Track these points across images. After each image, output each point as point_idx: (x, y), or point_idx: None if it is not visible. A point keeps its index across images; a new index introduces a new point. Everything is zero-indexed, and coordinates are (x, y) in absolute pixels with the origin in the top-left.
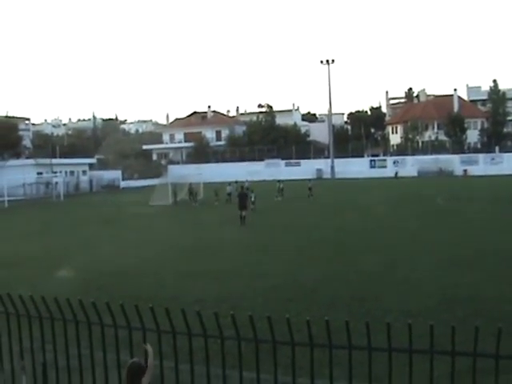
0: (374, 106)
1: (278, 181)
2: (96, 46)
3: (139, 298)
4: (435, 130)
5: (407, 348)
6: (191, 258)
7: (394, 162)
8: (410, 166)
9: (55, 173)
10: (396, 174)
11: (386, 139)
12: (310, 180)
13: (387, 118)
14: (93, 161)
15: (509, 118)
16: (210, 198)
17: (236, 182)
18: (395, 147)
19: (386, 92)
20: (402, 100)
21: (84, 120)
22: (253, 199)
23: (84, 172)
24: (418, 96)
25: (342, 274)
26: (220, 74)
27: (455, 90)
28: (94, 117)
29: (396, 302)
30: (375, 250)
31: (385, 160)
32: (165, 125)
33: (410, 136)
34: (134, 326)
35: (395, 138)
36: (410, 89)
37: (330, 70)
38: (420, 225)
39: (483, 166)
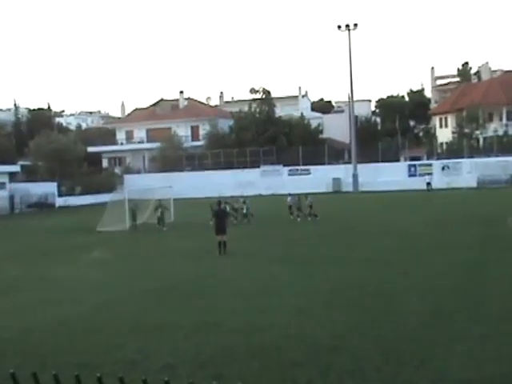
0: (414, 89)
1: (289, 194)
2: (15, 14)
3: (83, 364)
4: (503, 120)
5: None
6: (157, 306)
7: (443, 168)
8: (467, 172)
9: None
10: (428, 184)
11: (431, 135)
12: (307, 195)
13: (433, 106)
14: (15, 168)
15: None
16: (186, 219)
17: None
18: (444, 146)
19: (432, 69)
20: (455, 79)
21: (1, 110)
22: (244, 211)
23: (2, 185)
24: (477, 73)
25: (371, 327)
26: (195, 46)
27: None
28: (16, 106)
29: (449, 367)
30: (419, 291)
31: (430, 165)
32: (119, 118)
33: (467, 130)
34: None
35: (445, 134)
36: (466, 63)
37: (351, 39)
38: (482, 256)
39: None
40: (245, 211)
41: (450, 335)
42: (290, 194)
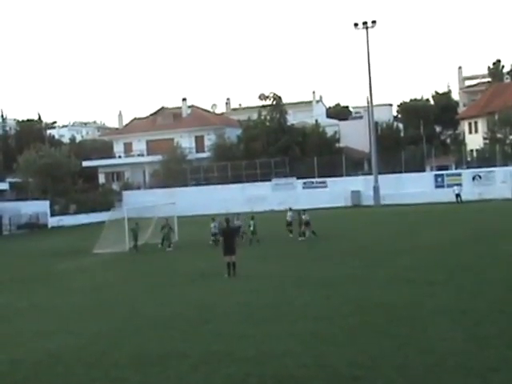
0: (440, 92)
1: (304, 211)
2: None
3: None
4: None
5: None
6: (160, 335)
7: (474, 178)
8: (500, 182)
9: None
10: (458, 196)
11: (459, 142)
12: (304, 211)
13: (461, 110)
14: (3, 186)
15: None
16: (191, 238)
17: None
18: (475, 154)
19: (459, 68)
20: (485, 80)
21: None
22: (252, 228)
23: None
24: (510, 72)
25: (396, 355)
26: (198, 49)
27: None
28: (3, 117)
29: None
30: (449, 315)
31: (459, 174)
32: (116, 129)
33: (500, 135)
34: None
35: (475, 140)
36: (498, 61)
37: (369, 38)
38: None
39: None
40: (252, 228)
41: (485, 364)
42: (290, 209)
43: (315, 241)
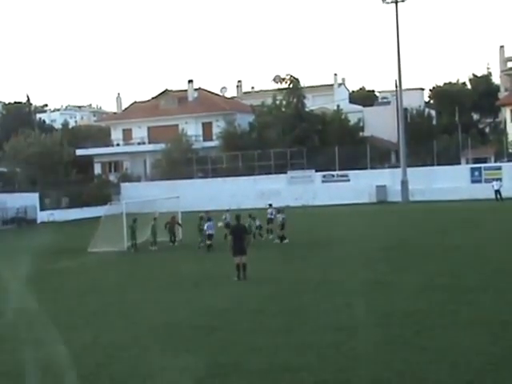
0: (478, 75)
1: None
2: None
3: None
4: None
5: None
6: (162, 345)
7: None
8: None
9: None
10: (497, 192)
11: (500, 132)
12: (279, 210)
13: (502, 95)
14: None
15: None
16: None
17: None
18: None
19: (501, 48)
20: None
21: None
22: (257, 224)
23: None
24: None
25: (426, 370)
26: (206, 26)
27: None
28: None
29: None
30: (487, 326)
31: (499, 168)
32: (114, 113)
33: None
34: None
35: None
36: None
37: (399, 13)
38: None
39: None
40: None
41: None
42: (270, 205)
43: (333, 242)
